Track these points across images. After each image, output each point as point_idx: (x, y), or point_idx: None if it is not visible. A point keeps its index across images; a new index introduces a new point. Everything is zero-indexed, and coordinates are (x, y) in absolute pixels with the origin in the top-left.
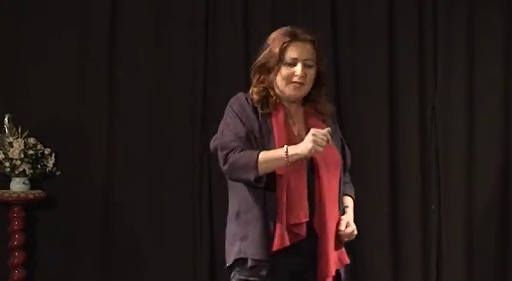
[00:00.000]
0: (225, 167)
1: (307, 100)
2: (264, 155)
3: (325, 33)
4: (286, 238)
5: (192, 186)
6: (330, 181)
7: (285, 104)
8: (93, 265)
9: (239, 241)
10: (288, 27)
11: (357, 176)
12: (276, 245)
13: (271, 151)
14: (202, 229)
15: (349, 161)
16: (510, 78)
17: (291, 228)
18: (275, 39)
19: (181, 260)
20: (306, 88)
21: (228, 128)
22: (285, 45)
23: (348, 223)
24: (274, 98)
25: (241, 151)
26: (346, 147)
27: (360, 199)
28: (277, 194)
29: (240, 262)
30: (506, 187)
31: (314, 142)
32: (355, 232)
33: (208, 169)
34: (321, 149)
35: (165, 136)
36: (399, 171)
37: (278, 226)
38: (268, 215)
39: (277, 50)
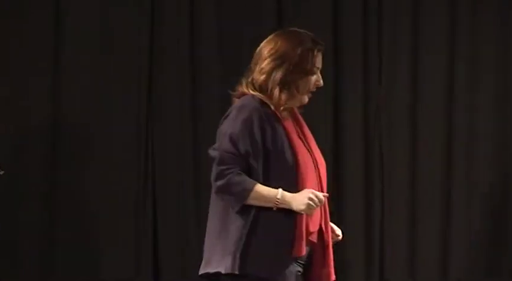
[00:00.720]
0: (217, 184)
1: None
2: (257, 193)
3: (270, 27)
4: (304, 246)
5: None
6: (325, 184)
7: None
8: (35, 255)
9: (239, 253)
10: (306, 33)
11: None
12: (293, 253)
13: (265, 189)
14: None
15: None
16: (453, 73)
17: (307, 236)
18: (308, 45)
19: (124, 248)
20: None
21: (230, 139)
22: (317, 53)
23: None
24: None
25: (239, 172)
26: None
27: None
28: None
29: (231, 276)
30: (448, 183)
31: (312, 199)
32: None
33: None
34: (311, 212)
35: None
36: (343, 169)
37: (298, 233)
38: (284, 224)
39: (313, 56)
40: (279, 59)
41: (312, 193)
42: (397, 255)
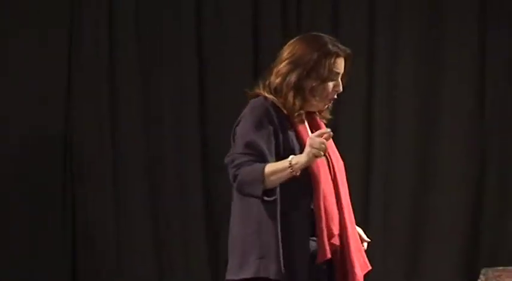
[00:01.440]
0: (235, 184)
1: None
2: (269, 168)
3: (189, 21)
4: (328, 249)
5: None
6: (344, 186)
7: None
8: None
9: (258, 258)
10: (323, 37)
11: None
12: (319, 258)
13: (276, 163)
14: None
15: None
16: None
17: (330, 239)
18: (326, 45)
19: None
20: None
21: (244, 144)
22: (335, 59)
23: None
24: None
25: (248, 163)
26: None
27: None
28: (315, 203)
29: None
30: (368, 181)
31: (310, 145)
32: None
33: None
34: (319, 152)
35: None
36: None
37: (320, 236)
38: (306, 229)
39: (330, 61)
40: (295, 63)
41: (310, 138)
42: None
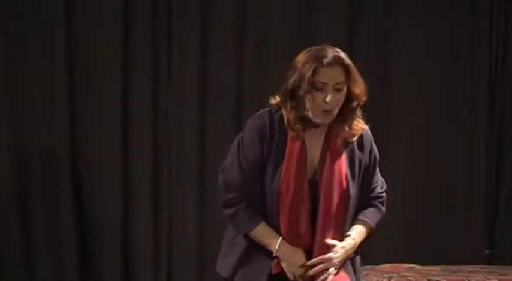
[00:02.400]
0: (224, 211)
1: (335, 120)
2: (260, 232)
3: (59, 24)
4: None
5: None
6: (332, 212)
7: (313, 125)
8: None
9: (222, 257)
10: (317, 49)
11: (86, 176)
12: (272, 269)
13: (269, 233)
14: None
15: (378, 189)
16: (242, 75)
17: None
18: (305, 62)
19: None
20: (334, 114)
21: (237, 161)
22: (314, 69)
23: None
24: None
25: (246, 205)
26: (377, 172)
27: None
28: (280, 225)
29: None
30: None
31: (290, 267)
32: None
33: None
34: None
35: None
36: (131, 172)
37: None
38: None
39: (309, 75)
40: (291, 74)
41: (295, 269)
42: (185, 259)
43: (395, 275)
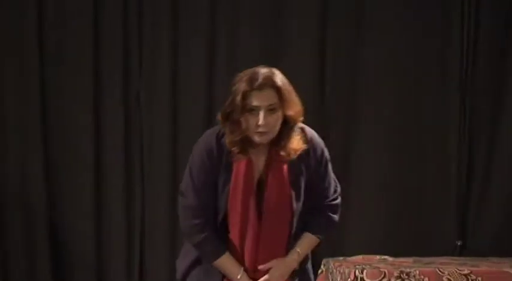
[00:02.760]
0: (186, 236)
1: (273, 141)
2: (223, 263)
3: (33, 22)
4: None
5: None
6: (275, 228)
7: (256, 145)
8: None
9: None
10: (250, 72)
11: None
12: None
13: (232, 264)
14: None
15: (331, 192)
16: (212, 68)
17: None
18: (237, 87)
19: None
20: (272, 133)
21: (191, 183)
22: (245, 94)
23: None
24: (246, 143)
25: (209, 234)
26: (328, 179)
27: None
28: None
29: None
30: None
31: None
32: None
33: None
34: None
35: None
36: (104, 167)
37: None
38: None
39: (239, 99)
40: (229, 94)
41: None
42: (158, 249)
43: (367, 266)
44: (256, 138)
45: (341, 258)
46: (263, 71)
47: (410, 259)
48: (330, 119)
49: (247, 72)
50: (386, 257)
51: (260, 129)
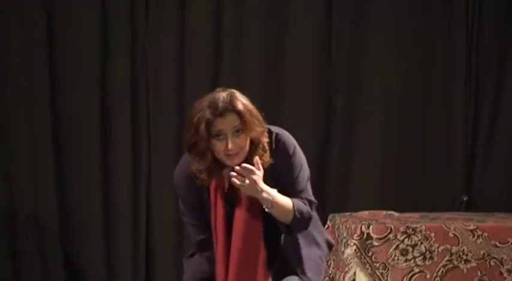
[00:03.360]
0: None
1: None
2: None
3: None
4: None
5: None
6: (240, 238)
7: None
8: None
9: None
10: (209, 99)
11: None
12: None
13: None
14: None
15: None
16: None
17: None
18: (198, 117)
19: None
20: (243, 153)
21: (184, 205)
22: (208, 122)
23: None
24: (213, 170)
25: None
26: (298, 183)
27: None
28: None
29: None
30: None
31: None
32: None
33: None
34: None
35: None
36: (111, 125)
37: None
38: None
39: (203, 128)
40: (188, 124)
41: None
42: (163, 220)
43: (373, 222)
44: (229, 162)
45: (347, 213)
46: (222, 96)
47: (416, 215)
48: (336, 78)
49: (206, 99)
50: (392, 212)
51: (231, 152)
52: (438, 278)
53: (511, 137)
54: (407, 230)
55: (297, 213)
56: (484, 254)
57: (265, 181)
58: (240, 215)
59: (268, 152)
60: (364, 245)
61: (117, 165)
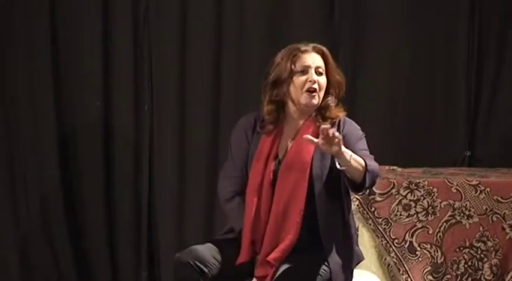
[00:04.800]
0: (221, 202)
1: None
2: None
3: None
4: (247, 253)
5: None
6: (283, 195)
7: (291, 119)
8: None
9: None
10: (294, 44)
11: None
12: (239, 259)
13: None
14: None
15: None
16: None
17: (252, 244)
18: (284, 55)
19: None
20: (320, 95)
21: (230, 153)
22: (295, 57)
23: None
24: (282, 115)
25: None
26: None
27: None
28: (246, 207)
29: None
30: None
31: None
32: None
33: None
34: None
35: None
36: (113, 82)
37: (244, 238)
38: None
39: (288, 62)
40: (271, 66)
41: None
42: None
43: None
44: (306, 100)
45: None
46: (307, 42)
47: (419, 170)
48: (339, 37)
49: (290, 45)
50: (395, 167)
51: (312, 86)
52: (440, 234)
53: None
54: (410, 186)
55: (369, 169)
56: (486, 209)
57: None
58: (285, 176)
59: (341, 107)
60: (367, 201)
61: (120, 165)
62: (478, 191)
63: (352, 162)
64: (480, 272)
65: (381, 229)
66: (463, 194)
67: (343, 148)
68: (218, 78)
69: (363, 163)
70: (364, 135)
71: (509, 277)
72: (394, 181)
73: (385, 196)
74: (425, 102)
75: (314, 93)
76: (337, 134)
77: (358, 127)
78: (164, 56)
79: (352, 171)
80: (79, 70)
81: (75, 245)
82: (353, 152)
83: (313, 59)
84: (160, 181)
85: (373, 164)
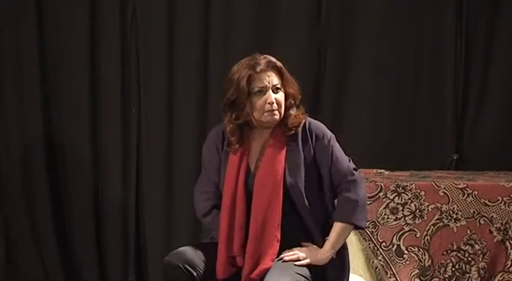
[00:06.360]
0: (198, 217)
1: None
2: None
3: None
4: (225, 269)
5: None
6: (264, 202)
7: (257, 134)
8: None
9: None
10: (248, 58)
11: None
12: (218, 275)
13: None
14: None
15: (344, 166)
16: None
17: (229, 259)
18: (239, 74)
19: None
20: (281, 111)
21: (200, 178)
22: (250, 77)
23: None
24: (246, 130)
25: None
26: (336, 158)
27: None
28: (220, 225)
29: None
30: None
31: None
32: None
33: None
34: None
35: None
36: (100, 85)
37: (219, 255)
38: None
39: (244, 84)
40: (228, 84)
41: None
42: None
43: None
44: (267, 118)
45: None
46: (260, 56)
47: (406, 173)
48: (327, 36)
49: (244, 60)
50: (382, 170)
51: (272, 107)
52: (428, 237)
53: (502, 96)
54: (398, 189)
55: (351, 221)
56: (473, 212)
57: (290, 150)
58: (260, 192)
59: (302, 109)
60: None
61: (107, 168)
62: (466, 195)
63: (338, 245)
64: (468, 275)
65: (368, 232)
66: (450, 198)
67: (319, 254)
68: (206, 81)
69: (347, 228)
70: (332, 136)
71: (496, 280)
72: (382, 184)
73: (373, 199)
74: (413, 104)
75: (275, 111)
76: (295, 256)
77: (325, 130)
78: (152, 59)
79: (345, 238)
80: (66, 73)
81: (63, 248)
82: (328, 166)
83: (269, 78)
84: (148, 184)
85: (352, 197)
